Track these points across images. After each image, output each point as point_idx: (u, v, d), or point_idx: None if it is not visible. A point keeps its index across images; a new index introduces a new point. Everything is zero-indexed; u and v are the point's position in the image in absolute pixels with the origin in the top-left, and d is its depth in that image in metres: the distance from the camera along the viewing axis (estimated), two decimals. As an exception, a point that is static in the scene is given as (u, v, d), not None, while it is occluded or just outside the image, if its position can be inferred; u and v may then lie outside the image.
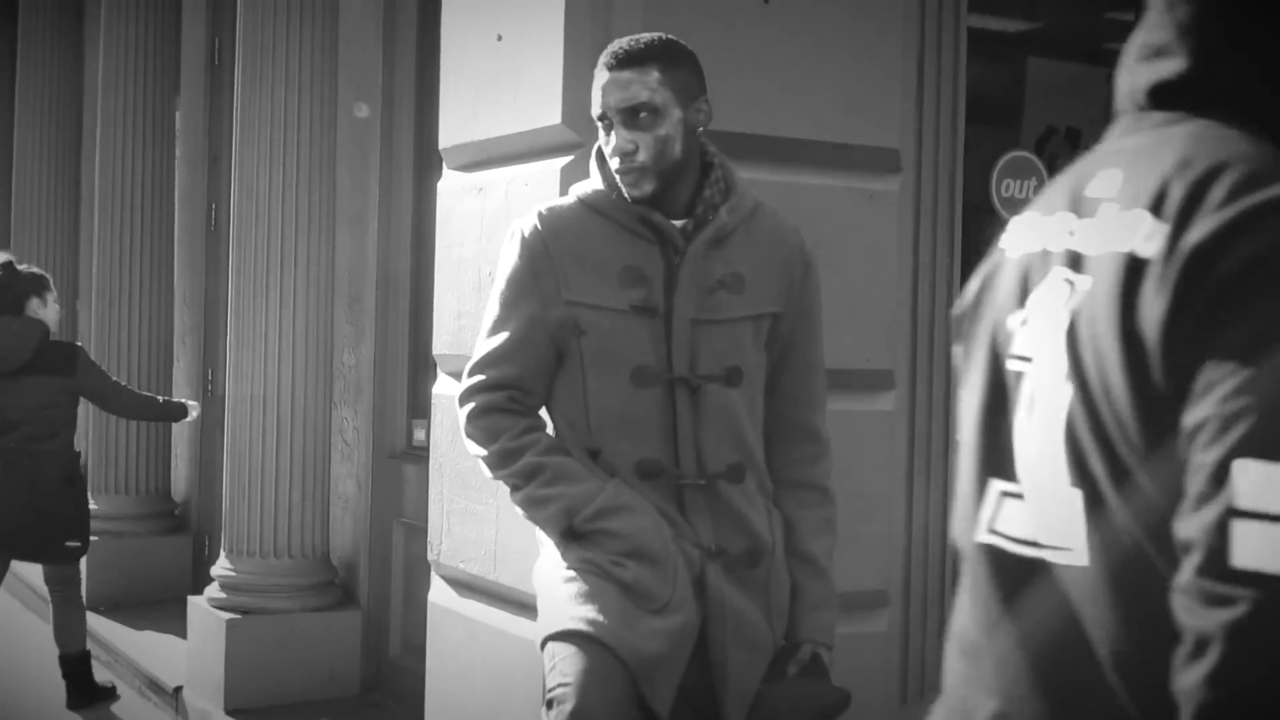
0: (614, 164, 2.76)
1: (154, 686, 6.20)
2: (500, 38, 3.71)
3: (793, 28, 3.54)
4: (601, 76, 2.75)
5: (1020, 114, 5.88)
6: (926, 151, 3.86)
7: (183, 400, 6.31)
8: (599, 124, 2.77)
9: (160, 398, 6.41)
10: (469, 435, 2.84)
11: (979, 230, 4.47)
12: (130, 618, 7.12)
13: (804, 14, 3.58)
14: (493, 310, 2.85)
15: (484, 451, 2.81)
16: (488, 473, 2.84)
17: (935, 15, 3.87)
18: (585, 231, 2.79)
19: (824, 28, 3.61)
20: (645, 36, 2.79)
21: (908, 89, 3.79)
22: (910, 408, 3.88)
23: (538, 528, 2.86)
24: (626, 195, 2.77)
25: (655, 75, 2.74)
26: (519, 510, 2.83)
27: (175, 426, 7.67)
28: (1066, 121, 6.02)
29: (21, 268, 5.94)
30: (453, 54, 3.97)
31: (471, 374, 2.84)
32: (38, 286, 5.85)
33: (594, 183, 2.85)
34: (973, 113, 4.05)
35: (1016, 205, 4.45)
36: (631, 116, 2.73)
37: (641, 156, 2.73)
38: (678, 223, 2.79)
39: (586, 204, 2.83)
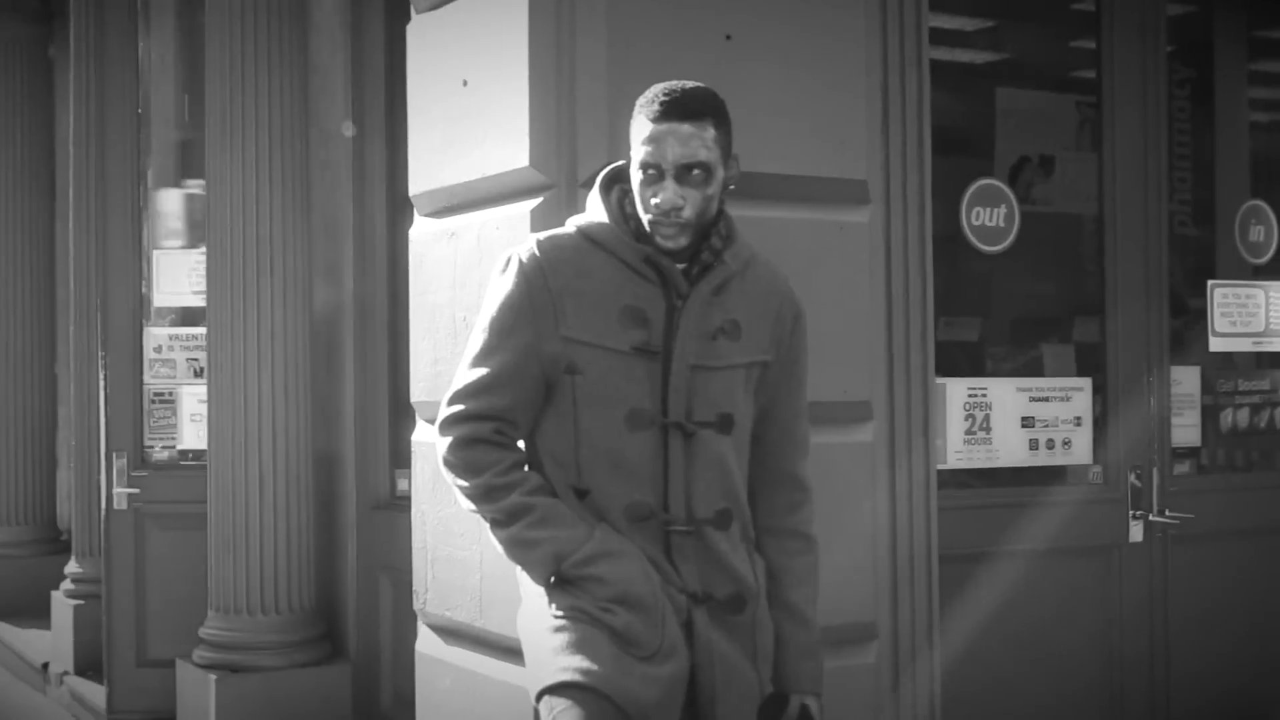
0: (653, 212, 2.72)
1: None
2: (466, 83, 3.71)
3: (756, 62, 3.55)
4: (657, 124, 2.69)
5: (992, 144, 5.91)
6: (895, 182, 3.87)
7: None
8: (641, 170, 2.72)
9: None
10: (448, 465, 2.79)
11: (951, 259, 4.48)
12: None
13: (766, 48, 3.59)
14: (480, 337, 2.80)
15: (465, 484, 2.78)
16: (466, 504, 2.81)
17: (898, 47, 3.89)
18: (585, 266, 2.76)
19: (787, 61, 3.62)
20: (694, 86, 2.75)
21: (873, 120, 3.80)
22: (890, 438, 3.87)
23: (519, 570, 2.84)
24: (659, 245, 2.74)
25: (711, 133, 2.72)
26: (499, 547, 2.80)
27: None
28: (1039, 149, 6.05)
29: None
30: (419, 100, 3.98)
31: (454, 402, 2.79)
32: None
33: (596, 215, 2.82)
34: (943, 143, 4.07)
35: (987, 233, 4.46)
36: (685, 172, 2.70)
37: (687, 213, 2.72)
38: (680, 266, 2.78)
39: (589, 237, 2.80)
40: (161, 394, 6.64)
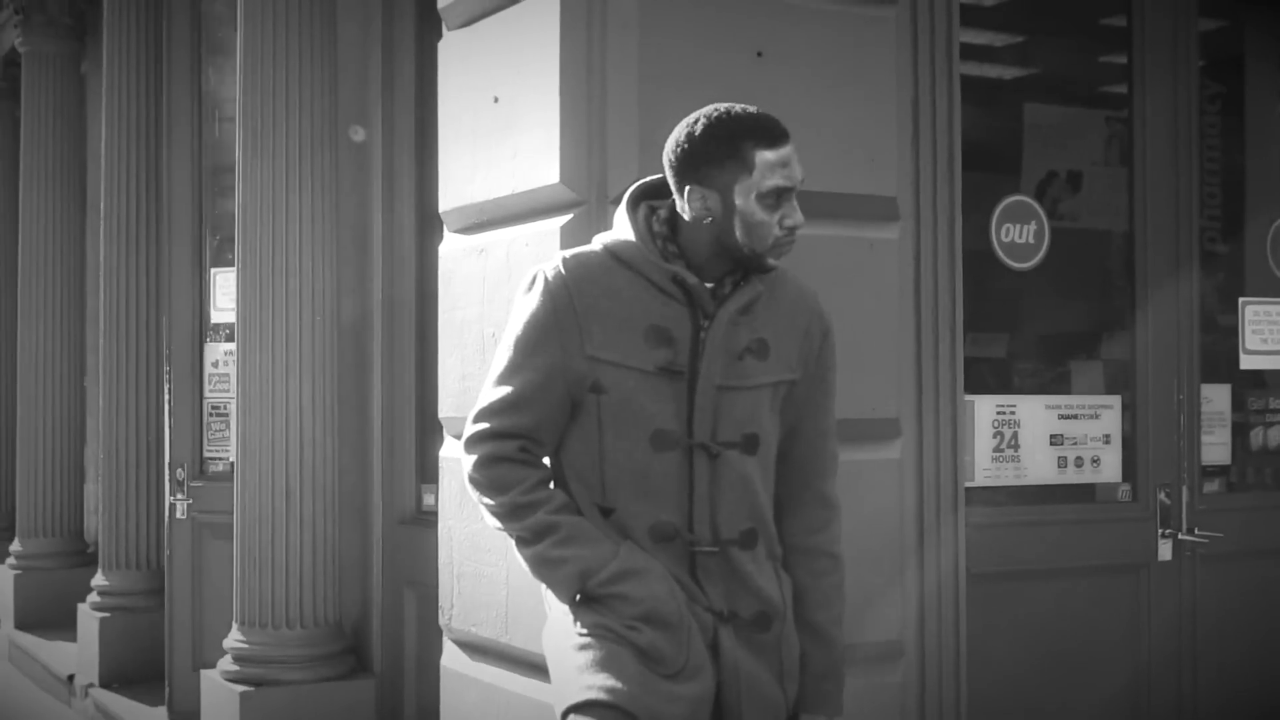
0: (778, 235, 2.75)
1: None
2: (497, 99, 3.72)
3: (786, 77, 3.55)
4: (781, 149, 2.73)
5: (1020, 159, 5.89)
6: (925, 198, 3.86)
7: None
8: (771, 196, 2.73)
9: None
10: (474, 483, 2.79)
11: (981, 275, 4.47)
12: (143, 693, 7.09)
13: (797, 65, 3.59)
14: (505, 354, 2.79)
15: (491, 501, 2.78)
16: (492, 522, 2.81)
17: (929, 63, 3.88)
18: (612, 285, 2.76)
19: (817, 78, 3.62)
20: (756, 109, 2.79)
21: (904, 137, 3.80)
22: (918, 455, 3.86)
23: (545, 588, 2.83)
24: (767, 266, 2.77)
25: None
26: (523, 565, 2.80)
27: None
28: (1067, 165, 6.04)
29: None
30: (450, 117, 3.98)
31: (479, 420, 2.79)
32: None
33: (623, 233, 2.81)
34: (971, 159, 4.06)
35: (1017, 250, 4.45)
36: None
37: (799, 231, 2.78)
38: (708, 285, 2.78)
39: (616, 255, 2.79)
40: (218, 407, 6.90)
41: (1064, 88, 6.08)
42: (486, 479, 2.77)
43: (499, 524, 2.80)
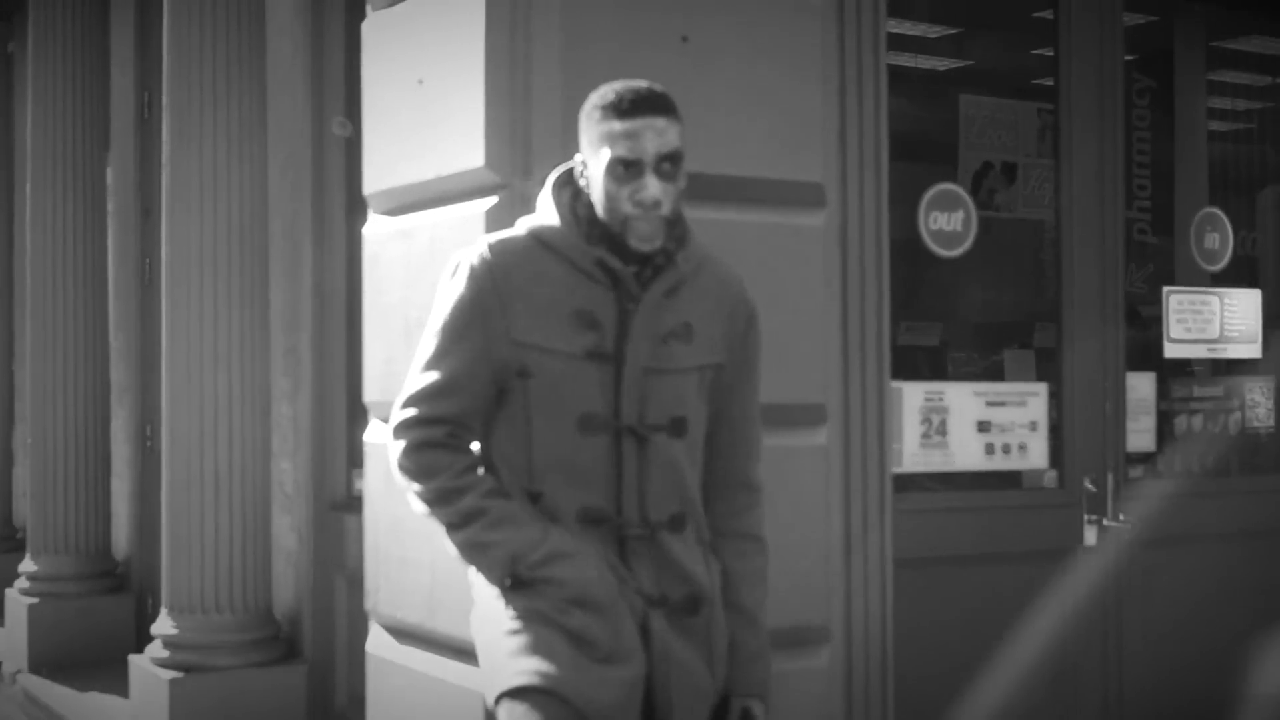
0: (633, 208, 2.69)
1: (96, 749, 6.15)
2: (421, 81, 3.70)
3: (712, 63, 3.55)
4: (630, 120, 2.68)
5: (955, 150, 5.93)
6: (851, 186, 3.87)
7: None
8: (618, 167, 2.69)
9: None
10: (402, 469, 2.78)
11: (910, 263, 4.49)
12: (73, 679, 7.02)
13: (723, 50, 3.59)
14: (431, 341, 2.79)
15: (420, 487, 2.76)
16: (420, 508, 2.79)
17: (855, 52, 3.90)
18: (536, 269, 2.75)
19: (744, 63, 3.62)
20: (647, 84, 2.75)
21: (830, 124, 3.81)
22: (844, 441, 3.88)
23: (472, 572, 2.82)
24: (635, 246, 2.71)
25: (678, 127, 2.73)
26: (452, 551, 2.79)
27: (115, 483, 7.62)
28: (1002, 156, 6.08)
29: None
30: (375, 99, 3.96)
31: (406, 406, 2.78)
32: None
33: (547, 217, 2.80)
34: (905, 149, 4.08)
35: (945, 238, 4.48)
36: (662, 165, 2.69)
37: (664, 209, 2.71)
38: (632, 269, 2.77)
39: (540, 240, 2.78)
40: None
41: (998, 80, 6.13)
42: (414, 465, 2.76)
43: (427, 510, 2.79)
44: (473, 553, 2.74)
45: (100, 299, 7.63)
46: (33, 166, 7.61)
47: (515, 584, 2.73)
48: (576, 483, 2.74)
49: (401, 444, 2.78)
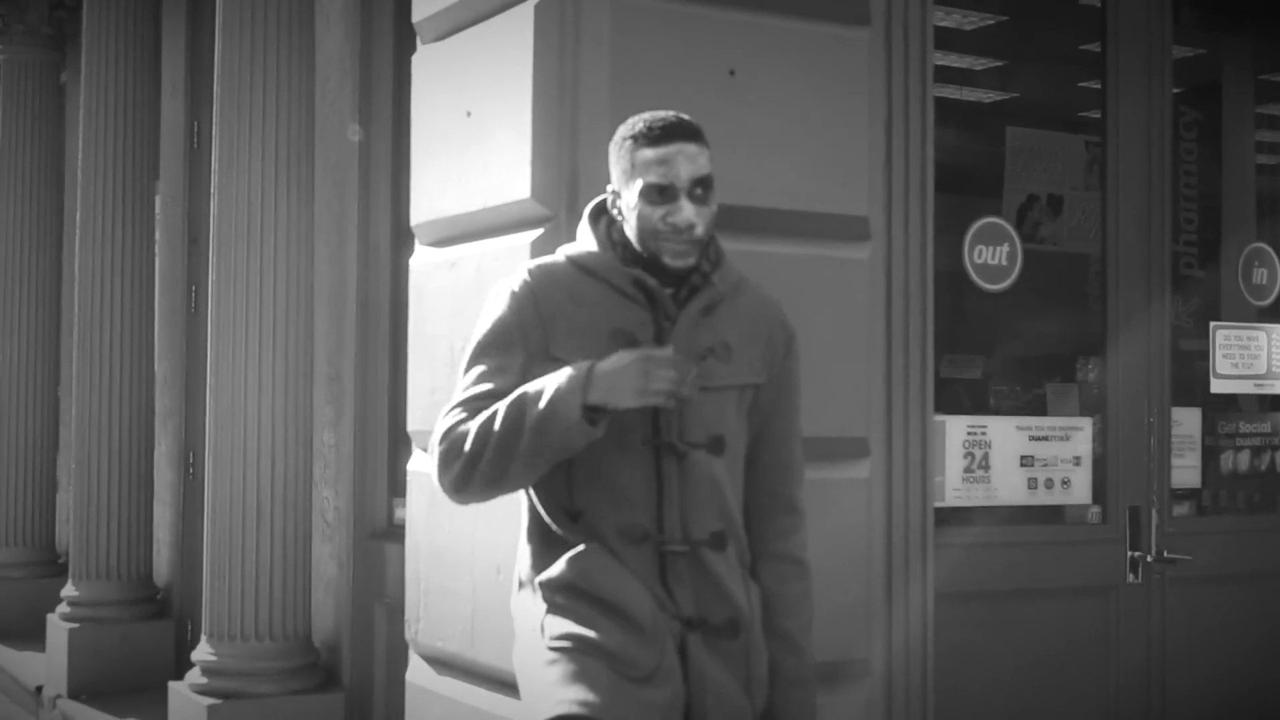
0: (667, 231, 2.74)
1: (136, 774, 6.17)
2: (469, 113, 3.72)
3: (758, 97, 3.56)
4: (663, 147, 2.74)
5: (1000, 182, 5.91)
6: (896, 218, 3.87)
7: None
8: (652, 193, 2.74)
9: None
10: (437, 469, 2.78)
11: (954, 297, 4.48)
12: (112, 705, 7.04)
13: (769, 84, 3.60)
14: (472, 358, 2.82)
15: (446, 479, 2.76)
16: (455, 499, 2.78)
17: (902, 84, 3.89)
18: (576, 291, 2.80)
19: (790, 96, 3.63)
20: (674, 113, 2.81)
21: (876, 157, 3.81)
22: (887, 475, 3.86)
23: (514, 604, 2.82)
24: (669, 263, 2.76)
25: (707, 151, 2.79)
26: (478, 490, 2.74)
27: (157, 509, 7.66)
28: (1047, 189, 6.06)
29: None
30: (423, 130, 3.99)
31: (447, 415, 2.78)
32: None
33: (585, 244, 2.86)
34: (950, 181, 4.07)
35: (990, 272, 4.46)
36: (694, 189, 2.75)
37: (699, 231, 2.76)
38: (668, 290, 2.80)
39: (578, 264, 2.83)
40: None
41: (1045, 112, 6.10)
42: (440, 453, 2.76)
43: (456, 493, 2.76)
44: (525, 436, 2.64)
45: (146, 326, 7.67)
46: (83, 195, 7.67)
47: (551, 590, 2.71)
48: (617, 500, 2.75)
49: (439, 450, 2.78)
